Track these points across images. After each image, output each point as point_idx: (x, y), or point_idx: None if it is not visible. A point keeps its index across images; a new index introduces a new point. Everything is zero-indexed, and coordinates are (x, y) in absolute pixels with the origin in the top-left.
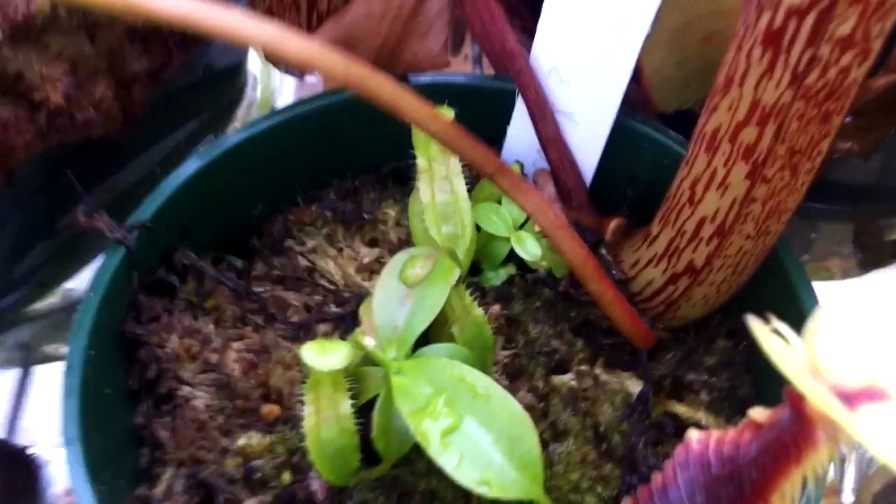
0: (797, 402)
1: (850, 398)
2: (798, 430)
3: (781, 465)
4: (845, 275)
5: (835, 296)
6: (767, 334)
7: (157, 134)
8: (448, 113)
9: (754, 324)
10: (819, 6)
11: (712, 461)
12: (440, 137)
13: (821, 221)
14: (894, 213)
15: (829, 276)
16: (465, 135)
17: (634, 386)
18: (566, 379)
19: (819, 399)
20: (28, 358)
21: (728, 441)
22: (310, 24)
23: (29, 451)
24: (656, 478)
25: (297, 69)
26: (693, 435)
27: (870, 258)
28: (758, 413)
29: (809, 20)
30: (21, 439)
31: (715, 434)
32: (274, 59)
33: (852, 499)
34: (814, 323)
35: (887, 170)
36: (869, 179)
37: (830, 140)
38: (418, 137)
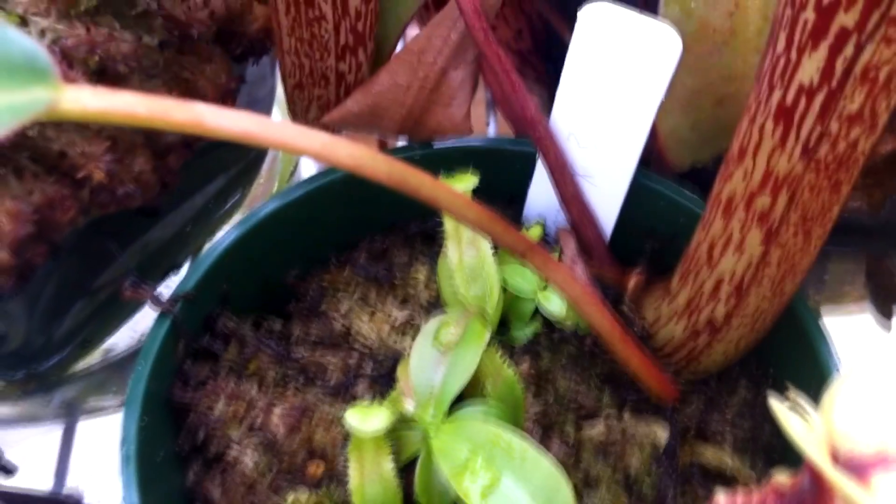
0: (815, 472)
1: (863, 467)
2: (817, 496)
3: None
4: (861, 310)
5: (853, 363)
6: (785, 411)
7: (186, 193)
8: (472, 180)
9: (773, 403)
10: (828, 86)
11: None
12: (475, 224)
13: (831, 263)
14: None
15: (845, 312)
16: (497, 221)
17: (662, 431)
18: (597, 427)
19: (832, 477)
20: (72, 415)
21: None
22: (338, 95)
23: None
24: None
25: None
26: (721, 497)
27: (882, 297)
28: (781, 479)
29: (819, 99)
30: (68, 492)
31: (741, 497)
32: (299, 119)
33: None
34: (832, 392)
35: (895, 210)
36: (877, 220)
37: (841, 205)
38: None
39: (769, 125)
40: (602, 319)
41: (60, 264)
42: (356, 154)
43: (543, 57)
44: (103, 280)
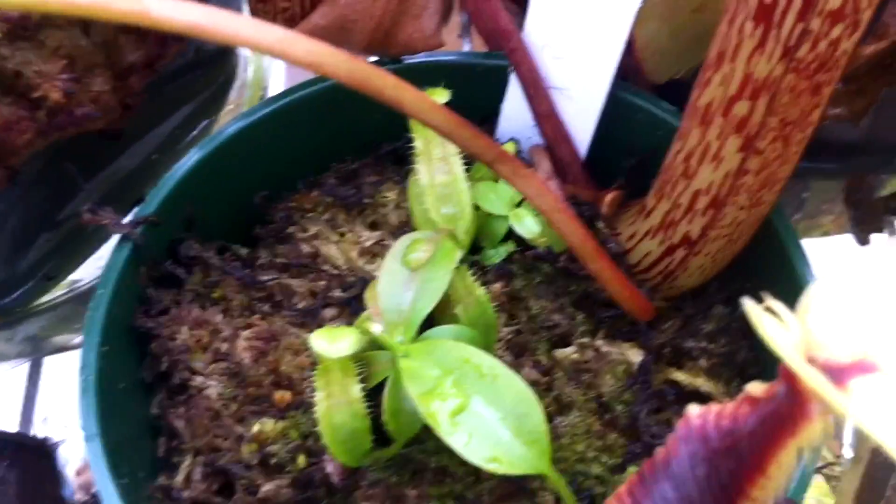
0: (791, 378)
1: (841, 372)
2: (793, 404)
3: (778, 438)
4: (839, 230)
5: (829, 272)
6: (761, 314)
7: (152, 120)
8: (443, 95)
9: (748, 305)
10: None
11: (712, 434)
12: (441, 129)
13: (812, 180)
14: (884, 169)
15: (823, 233)
16: (465, 125)
17: (635, 356)
18: (569, 352)
19: (809, 378)
20: (38, 350)
21: (727, 415)
22: (304, 7)
23: (46, 442)
24: (658, 451)
25: None
26: (693, 409)
27: (861, 215)
28: (755, 387)
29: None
30: (35, 429)
31: (714, 408)
32: None
33: (852, 454)
34: (807, 299)
35: (876, 127)
36: (858, 137)
37: (822, 110)
38: (416, 122)
39: (749, 25)
40: (574, 230)
41: (23, 195)
42: (315, 49)
43: None
44: (68, 212)
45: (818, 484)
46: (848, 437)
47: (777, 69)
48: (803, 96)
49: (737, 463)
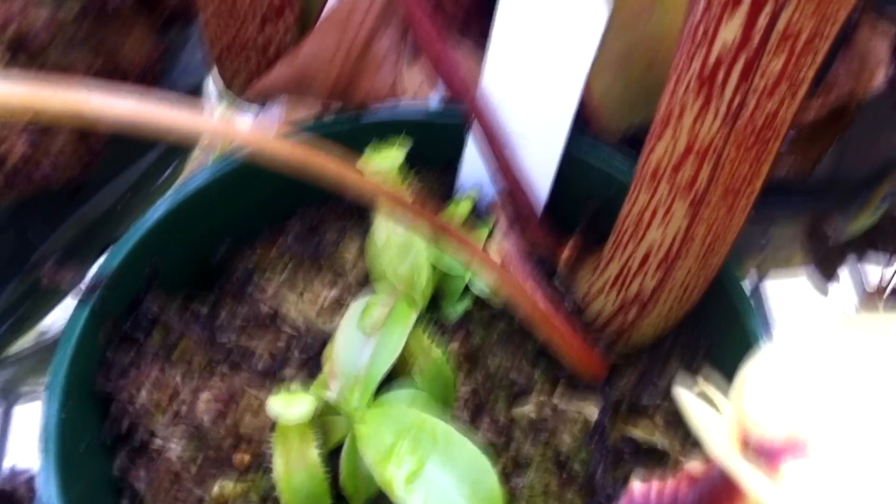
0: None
1: (773, 454)
2: (727, 484)
3: None
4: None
5: (763, 351)
6: (691, 402)
7: (117, 167)
8: (398, 155)
9: (680, 393)
10: (749, 47)
11: None
12: (385, 206)
13: (774, 226)
14: (845, 207)
15: (788, 275)
16: (408, 204)
17: (592, 413)
18: (526, 410)
19: (738, 471)
20: (7, 399)
21: (667, 492)
22: (266, 61)
23: (16, 491)
24: None
25: (256, 100)
26: (636, 485)
27: (819, 259)
28: (694, 466)
29: (741, 60)
30: (11, 476)
31: (656, 485)
32: (230, 87)
33: None
34: (741, 378)
35: (837, 162)
36: (824, 176)
37: (770, 163)
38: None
39: (692, 91)
40: (522, 300)
41: None
42: (253, 138)
43: (489, 13)
44: (34, 260)
45: None
46: None
47: (719, 137)
48: (745, 165)
49: None
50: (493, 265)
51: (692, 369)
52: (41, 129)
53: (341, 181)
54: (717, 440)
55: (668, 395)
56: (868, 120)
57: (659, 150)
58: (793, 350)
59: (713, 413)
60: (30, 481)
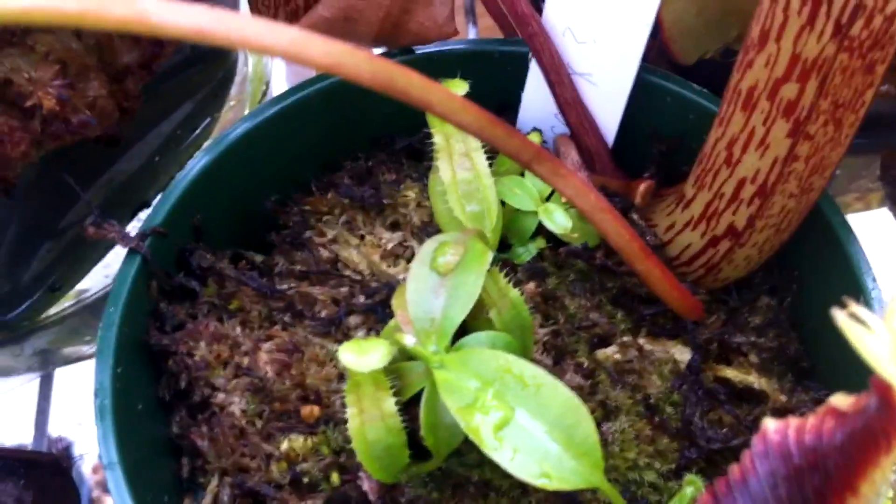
0: (886, 390)
1: None
2: (887, 418)
3: (871, 454)
4: (865, 207)
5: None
6: (847, 321)
7: (151, 121)
8: (462, 86)
9: (836, 314)
10: None
11: (793, 451)
12: (472, 129)
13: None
14: None
15: (853, 209)
16: (498, 124)
17: (681, 354)
18: (610, 353)
19: None
20: (48, 364)
21: (809, 429)
22: (296, 9)
23: (60, 459)
24: (734, 469)
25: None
26: (770, 424)
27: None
28: (840, 400)
29: None
30: (49, 443)
31: (793, 422)
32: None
33: None
34: (893, 306)
35: None
36: (891, 110)
37: (875, 89)
38: (434, 117)
39: (795, 2)
40: (618, 230)
41: (20, 205)
42: (333, 50)
43: None
44: (69, 220)
45: None
46: None
47: (828, 48)
48: (856, 76)
49: (823, 481)
50: (588, 189)
51: (784, 307)
52: (73, 76)
53: (427, 97)
54: (881, 358)
55: (761, 333)
56: None
57: (756, 69)
58: None
59: (872, 336)
60: (68, 448)
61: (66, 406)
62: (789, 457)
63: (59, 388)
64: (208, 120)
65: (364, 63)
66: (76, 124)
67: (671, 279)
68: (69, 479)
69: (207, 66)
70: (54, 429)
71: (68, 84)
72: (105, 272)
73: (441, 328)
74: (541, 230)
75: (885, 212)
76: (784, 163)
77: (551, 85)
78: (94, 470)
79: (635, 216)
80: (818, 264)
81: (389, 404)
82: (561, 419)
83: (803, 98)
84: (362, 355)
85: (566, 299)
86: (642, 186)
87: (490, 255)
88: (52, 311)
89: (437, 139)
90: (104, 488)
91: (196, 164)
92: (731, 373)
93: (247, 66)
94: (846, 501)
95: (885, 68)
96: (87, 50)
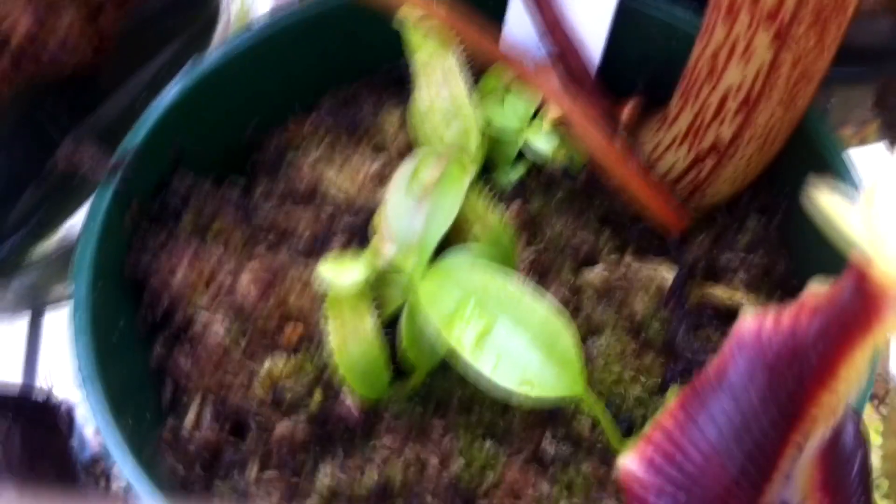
0: (861, 275)
1: None
2: (865, 302)
3: (849, 340)
4: (860, 142)
5: (890, 164)
6: (828, 202)
7: (133, 63)
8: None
9: (816, 195)
10: None
11: (771, 340)
12: (445, 23)
13: (837, 88)
14: None
15: (846, 143)
16: (470, 23)
17: (668, 272)
18: (596, 271)
19: (887, 264)
20: (33, 302)
21: (786, 319)
22: None
23: (49, 399)
24: (712, 363)
25: None
26: (747, 316)
27: (892, 118)
28: (816, 288)
29: None
30: (39, 383)
31: (770, 313)
32: None
33: None
34: (871, 188)
35: None
36: (886, 39)
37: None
38: (413, 36)
39: None
40: (597, 136)
41: (4, 146)
42: None
43: None
44: (52, 163)
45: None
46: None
47: None
48: None
49: (802, 369)
50: (562, 93)
51: (772, 227)
52: (46, 5)
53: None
54: (865, 237)
55: (749, 252)
56: None
57: None
58: None
59: (855, 216)
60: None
61: (56, 348)
62: (767, 347)
63: (49, 330)
64: (191, 63)
65: None
66: (47, 59)
67: (651, 186)
68: (58, 417)
69: (190, 8)
70: (44, 370)
71: (38, 19)
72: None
73: (422, 243)
74: (523, 157)
75: (881, 147)
76: (767, 74)
77: (536, 5)
78: (96, 432)
79: (622, 136)
80: (805, 182)
81: (370, 321)
82: (542, 330)
83: (785, 4)
84: (342, 272)
85: (552, 219)
86: (629, 106)
87: (467, 178)
88: (37, 252)
89: (417, 62)
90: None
91: (171, 89)
92: (718, 290)
93: (229, 8)
94: (827, 387)
95: None
96: None
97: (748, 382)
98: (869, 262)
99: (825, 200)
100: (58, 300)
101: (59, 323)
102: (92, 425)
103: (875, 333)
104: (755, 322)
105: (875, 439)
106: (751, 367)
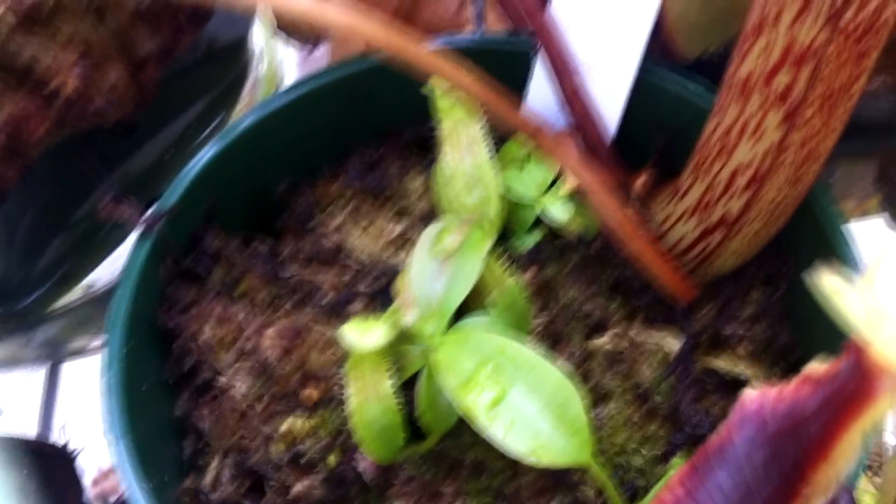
0: (858, 352)
1: None
2: (859, 381)
3: (843, 418)
4: (861, 215)
5: (890, 246)
6: (827, 282)
7: (165, 117)
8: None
9: (816, 278)
10: None
11: (770, 418)
12: (477, 97)
13: (840, 162)
14: None
15: (847, 217)
16: (502, 97)
17: (673, 343)
18: (604, 341)
19: (884, 345)
20: (55, 355)
21: (785, 397)
22: None
23: (65, 448)
24: (712, 439)
25: (310, 36)
26: (749, 393)
27: (893, 199)
28: (816, 367)
29: None
30: (54, 435)
31: (771, 391)
32: (290, 26)
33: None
34: (872, 269)
35: None
36: (889, 116)
37: (866, 79)
38: (441, 103)
39: None
40: (613, 208)
41: (36, 195)
42: (350, 16)
43: None
44: (82, 213)
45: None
46: (891, 425)
47: (821, 36)
48: (848, 65)
49: (798, 447)
50: (586, 166)
51: (775, 299)
52: (94, 62)
53: (435, 65)
54: (859, 317)
55: (752, 324)
56: None
57: (751, 58)
58: None
59: (851, 298)
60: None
61: (72, 399)
62: (766, 424)
63: (66, 381)
64: (221, 118)
65: (379, 29)
66: (95, 109)
67: (662, 259)
68: (73, 469)
69: (221, 65)
70: (59, 421)
71: (90, 69)
72: (114, 266)
73: (441, 309)
74: (540, 222)
75: (882, 220)
76: (777, 151)
77: (555, 77)
78: (94, 482)
79: (634, 207)
80: (808, 256)
81: (387, 385)
82: (552, 399)
83: (796, 86)
84: (364, 334)
85: (563, 288)
86: (641, 178)
87: (490, 240)
88: (61, 302)
89: (443, 128)
90: (103, 500)
91: (208, 151)
92: (721, 362)
93: (259, 67)
94: (820, 466)
95: (875, 57)
96: (108, 37)
97: (749, 456)
98: (867, 342)
99: (826, 281)
100: (78, 352)
101: (77, 375)
102: (91, 474)
103: (870, 411)
104: (758, 396)
105: None
106: (752, 441)
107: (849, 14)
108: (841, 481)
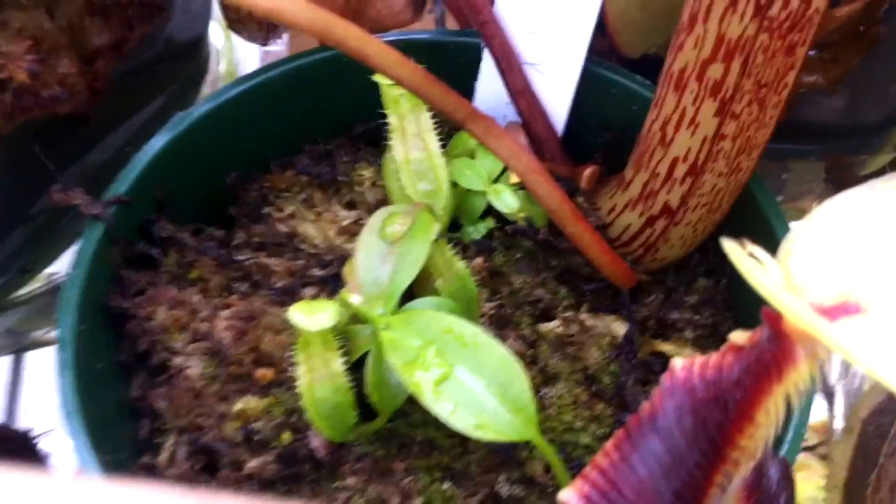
0: (775, 320)
1: (826, 314)
2: (777, 348)
3: (763, 384)
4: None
5: (807, 217)
6: (743, 256)
7: (123, 112)
8: None
9: (730, 247)
10: None
11: (697, 386)
12: (409, 84)
13: (791, 162)
14: (863, 149)
15: (803, 216)
16: (434, 80)
17: (620, 328)
18: (552, 326)
19: (796, 313)
20: (16, 344)
21: (711, 365)
22: None
23: (30, 433)
24: (644, 406)
25: (259, 32)
26: (677, 362)
27: (842, 190)
28: (738, 336)
29: None
30: (20, 424)
31: (698, 360)
32: (237, 21)
33: (843, 424)
34: (788, 243)
35: (854, 106)
36: (837, 118)
37: (796, 72)
38: (388, 95)
39: None
40: (550, 191)
41: None
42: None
43: None
44: (41, 205)
45: (812, 479)
46: (839, 408)
47: (750, 28)
48: (777, 57)
49: (723, 413)
50: (523, 152)
51: (719, 286)
52: (44, 54)
53: (363, 48)
54: (772, 288)
55: (696, 311)
56: (883, 65)
57: (686, 51)
58: (834, 216)
59: (764, 268)
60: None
61: (36, 388)
62: (693, 391)
63: (30, 370)
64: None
65: (304, 11)
66: (46, 98)
67: (602, 243)
68: (38, 454)
69: (179, 63)
70: (24, 409)
71: (40, 59)
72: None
73: (388, 292)
74: (490, 211)
75: None
76: (713, 141)
77: (502, 73)
78: None
79: (580, 199)
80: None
81: (337, 363)
82: (497, 376)
83: (728, 78)
84: (312, 315)
85: (512, 275)
86: (587, 171)
87: (437, 226)
88: (22, 291)
89: (392, 119)
90: None
91: (160, 139)
92: (666, 347)
93: (218, 65)
94: (745, 431)
95: (805, 51)
96: (58, 30)
97: (679, 422)
98: (783, 311)
99: (740, 257)
100: (39, 342)
101: (39, 365)
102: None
103: (790, 376)
104: (684, 369)
105: (819, 493)
106: (681, 408)
107: (775, 8)
108: (768, 445)
